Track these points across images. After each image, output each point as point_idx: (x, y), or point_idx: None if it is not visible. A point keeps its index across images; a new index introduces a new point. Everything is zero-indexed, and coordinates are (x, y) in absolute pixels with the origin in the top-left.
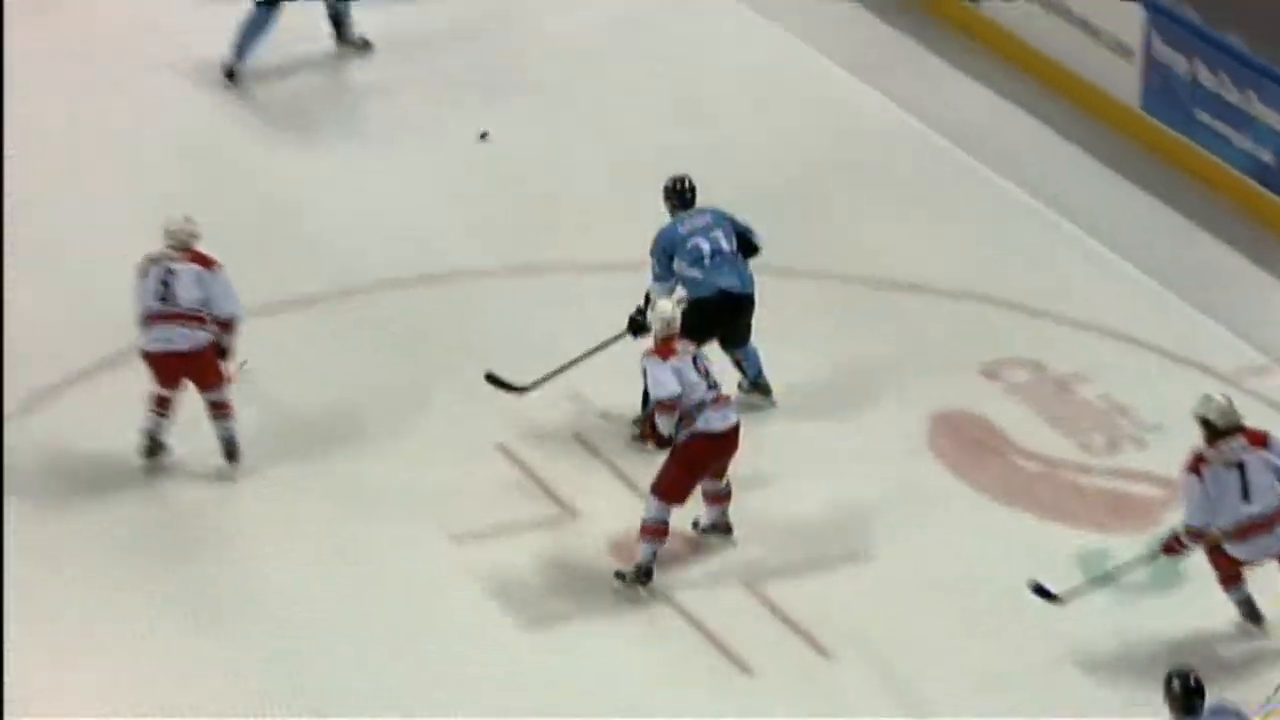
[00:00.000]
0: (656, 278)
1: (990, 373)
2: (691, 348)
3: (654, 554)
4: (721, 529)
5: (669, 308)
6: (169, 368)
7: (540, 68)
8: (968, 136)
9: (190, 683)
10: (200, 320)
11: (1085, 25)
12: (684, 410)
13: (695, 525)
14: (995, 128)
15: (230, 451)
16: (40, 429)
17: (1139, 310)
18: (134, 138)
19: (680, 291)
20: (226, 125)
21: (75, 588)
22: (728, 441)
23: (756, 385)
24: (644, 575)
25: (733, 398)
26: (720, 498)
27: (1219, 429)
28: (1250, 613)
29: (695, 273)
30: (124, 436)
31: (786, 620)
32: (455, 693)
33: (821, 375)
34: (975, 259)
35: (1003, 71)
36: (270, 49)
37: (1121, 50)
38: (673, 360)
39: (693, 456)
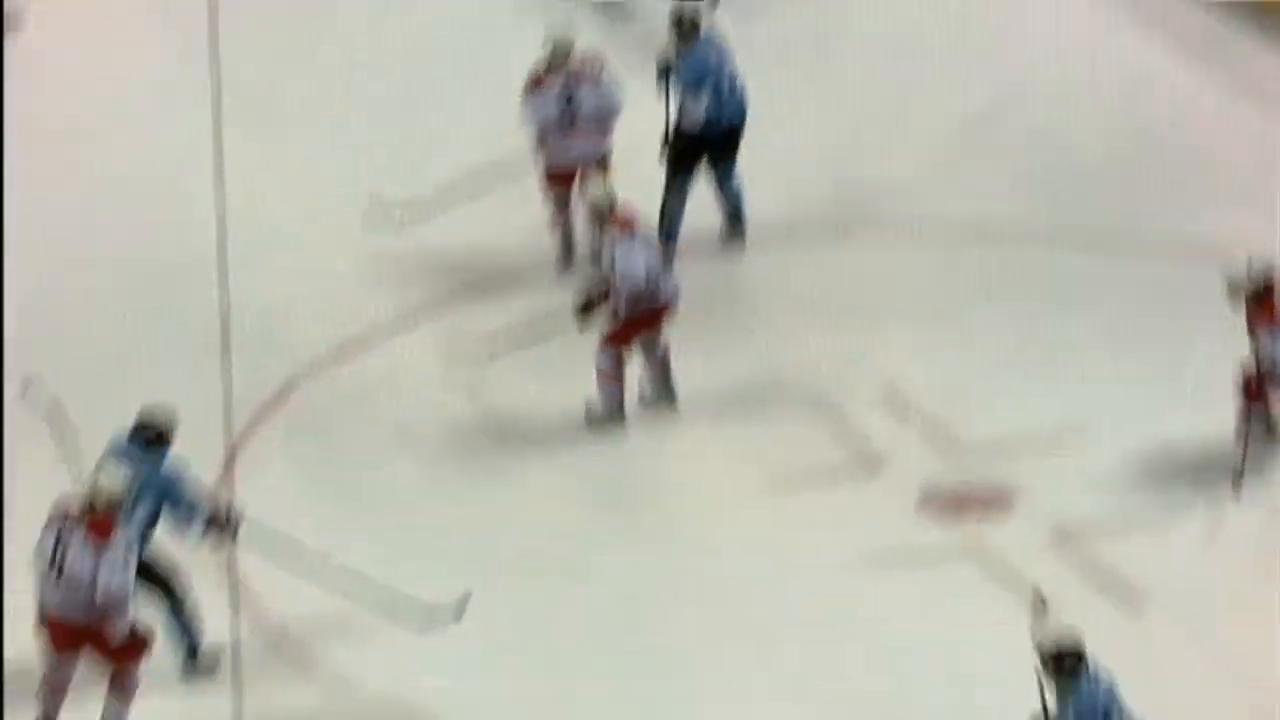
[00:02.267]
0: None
1: None
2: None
3: (615, 395)
4: (667, 398)
5: (600, 189)
6: (569, 179)
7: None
8: None
9: None
10: (599, 135)
11: None
12: (640, 292)
13: (641, 400)
14: None
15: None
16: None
17: None
18: None
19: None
20: None
21: None
22: (669, 310)
23: (734, 228)
24: (618, 414)
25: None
26: (663, 364)
27: None
28: None
29: (710, 106)
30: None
31: None
32: None
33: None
34: None
35: None
36: None
37: None
38: (638, 235)
39: (638, 322)
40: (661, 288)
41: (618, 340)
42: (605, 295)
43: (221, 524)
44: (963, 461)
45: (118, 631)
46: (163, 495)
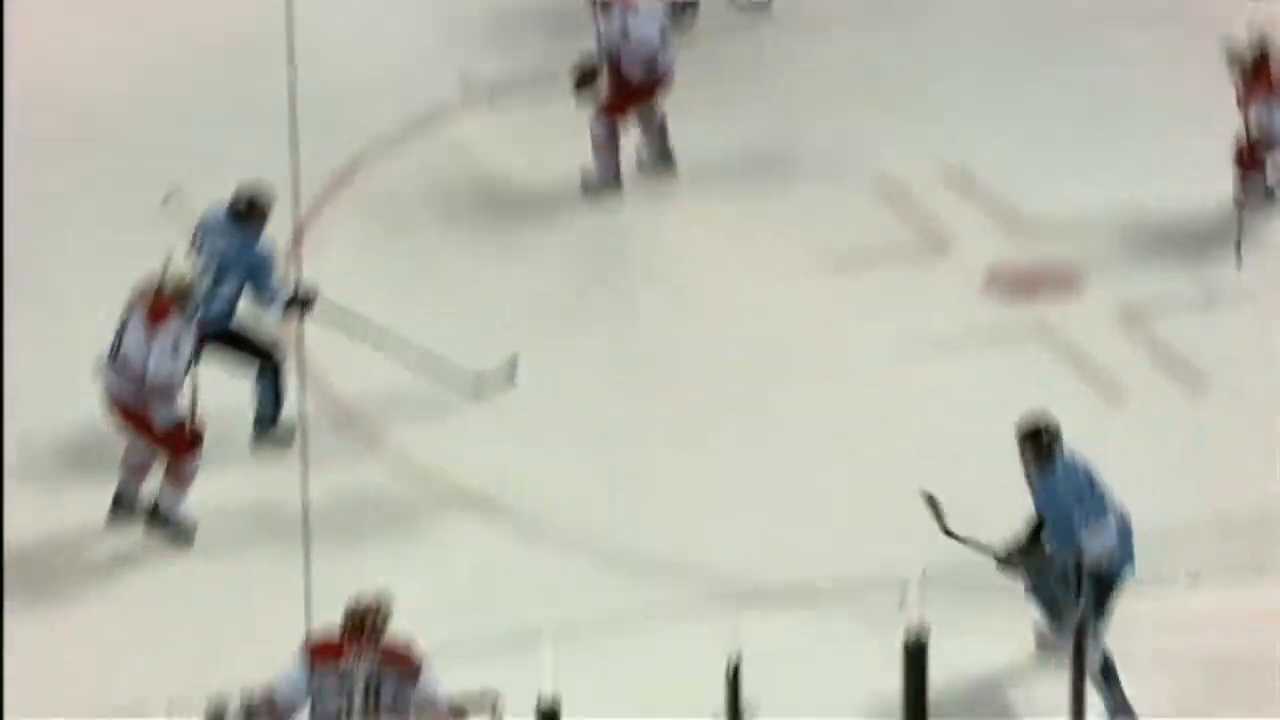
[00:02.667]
0: None
1: None
2: None
3: (610, 163)
4: (665, 164)
5: None
6: None
7: None
8: None
9: None
10: None
11: None
12: (652, 60)
13: (639, 167)
14: None
15: None
16: None
17: None
18: None
19: None
20: None
21: None
22: (665, 80)
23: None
24: (614, 181)
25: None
26: (660, 131)
27: None
28: None
29: None
30: None
31: None
32: None
33: None
34: None
35: None
36: None
37: None
38: (643, 4)
39: (637, 92)
40: (660, 58)
41: (614, 109)
42: (614, 67)
43: (294, 301)
44: (1028, 240)
45: (161, 419)
46: (250, 273)
